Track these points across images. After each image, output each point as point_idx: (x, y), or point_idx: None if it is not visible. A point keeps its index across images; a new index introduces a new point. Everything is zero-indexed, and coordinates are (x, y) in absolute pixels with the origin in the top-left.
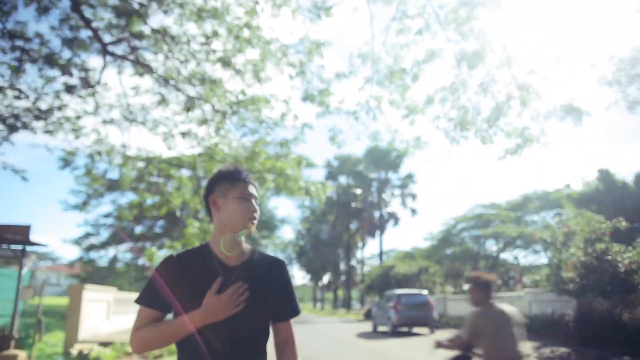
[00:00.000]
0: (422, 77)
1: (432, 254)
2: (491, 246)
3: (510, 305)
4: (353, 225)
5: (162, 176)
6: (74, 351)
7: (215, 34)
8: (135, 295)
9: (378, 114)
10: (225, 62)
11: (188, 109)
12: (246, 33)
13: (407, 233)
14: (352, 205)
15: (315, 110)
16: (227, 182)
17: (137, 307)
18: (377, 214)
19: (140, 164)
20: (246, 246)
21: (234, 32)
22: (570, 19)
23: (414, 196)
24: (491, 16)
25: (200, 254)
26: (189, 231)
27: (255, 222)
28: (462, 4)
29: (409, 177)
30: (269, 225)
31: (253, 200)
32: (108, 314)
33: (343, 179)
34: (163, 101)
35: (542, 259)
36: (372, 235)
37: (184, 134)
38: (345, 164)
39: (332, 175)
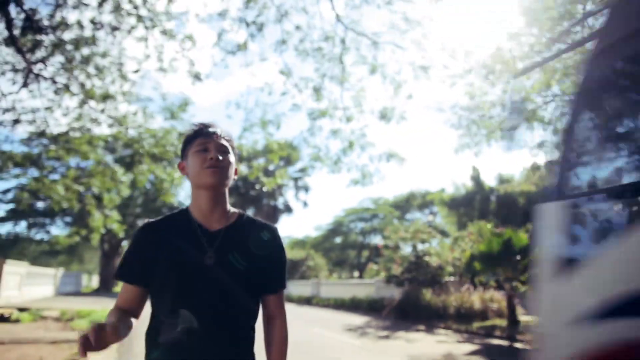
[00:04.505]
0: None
1: (321, 243)
2: (375, 237)
3: (363, 289)
4: (250, 213)
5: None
6: None
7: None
8: (42, 270)
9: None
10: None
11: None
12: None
13: (304, 221)
14: (250, 194)
15: None
16: (187, 144)
17: (41, 280)
18: (273, 204)
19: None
20: (232, 209)
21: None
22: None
23: (306, 188)
24: (336, 84)
25: (179, 219)
26: (96, 222)
27: (219, 171)
28: (314, 78)
29: (303, 170)
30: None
31: (214, 150)
32: (20, 285)
33: (243, 168)
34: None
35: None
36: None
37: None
38: (244, 154)
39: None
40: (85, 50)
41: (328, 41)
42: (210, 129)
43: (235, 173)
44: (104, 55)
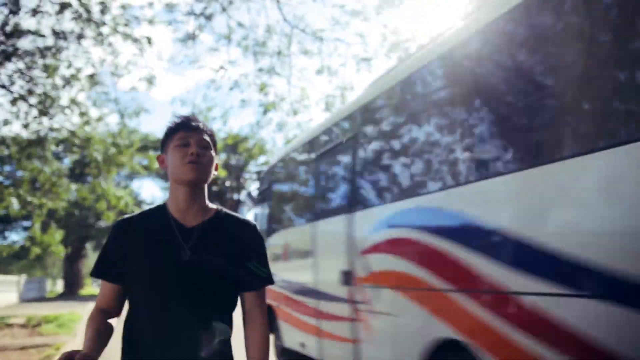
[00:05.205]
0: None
1: None
2: None
3: None
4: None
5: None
6: None
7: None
8: (4, 278)
9: None
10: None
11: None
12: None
13: None
14: (212, 189)
15: None
16: (169, 136)
17: (4, 287)
18: (237, 197)
19: None
20: (210, 205)
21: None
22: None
23: None
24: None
25: (155, 214)
26: (38, 237)
27: (199, 167)
28: (261, 73)
29: (266, 164)
30: (133, 208)
31: (195, 145)
32: None
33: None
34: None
35: None
36: None
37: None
38: None
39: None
40: (48, 60)
41: (272, 37)
42: (193, 123)
43: (216, 168)
44: (69, 66)
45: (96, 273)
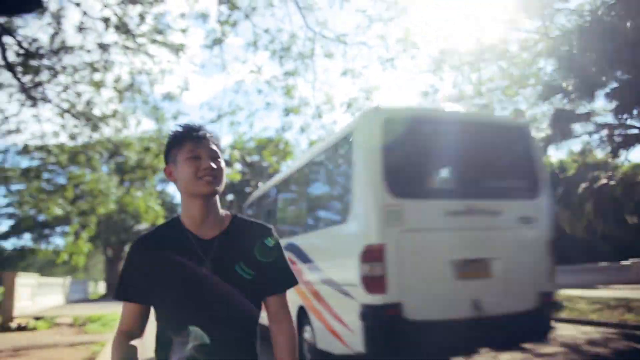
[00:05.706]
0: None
1: None
2: None
3: None
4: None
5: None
6: (13, 325)
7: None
8: (52, 280)
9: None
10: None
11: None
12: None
13: None
14: (246, 191)
15: None
16: (175, 147)
17: (51, 289)
18: None
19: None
20: (224, 213)
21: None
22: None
23: None
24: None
25: (171, 229)
26: (69, 245)
27: (214, 180)
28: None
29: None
30: (173, 211)
31: (207, 157)
32: (32, 296)
33: (238, 166)
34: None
35: None
36: None
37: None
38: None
39: (227, 163)
40: (96, 74)
41: (296, 42)
42: (200, 133)
43: None
44: (117, 79)
45: (120, 296)
